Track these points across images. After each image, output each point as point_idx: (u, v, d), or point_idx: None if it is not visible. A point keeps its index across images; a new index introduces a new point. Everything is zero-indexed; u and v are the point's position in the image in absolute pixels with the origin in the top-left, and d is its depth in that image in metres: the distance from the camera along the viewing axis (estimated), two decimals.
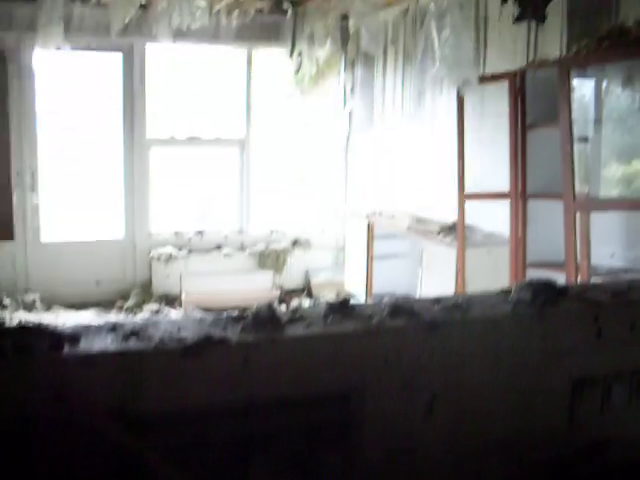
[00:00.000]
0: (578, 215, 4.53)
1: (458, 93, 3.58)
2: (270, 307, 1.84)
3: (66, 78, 7.93)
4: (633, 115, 4.91)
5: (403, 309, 1.91)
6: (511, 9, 3.54)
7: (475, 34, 5.92)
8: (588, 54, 4.42)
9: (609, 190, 5.11)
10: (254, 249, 8.27)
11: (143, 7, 6.83)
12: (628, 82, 4.55)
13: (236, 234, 8.37)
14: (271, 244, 8.34)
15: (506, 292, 2.26)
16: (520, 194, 5.04)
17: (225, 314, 1.91)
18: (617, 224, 4.80)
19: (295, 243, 8.45)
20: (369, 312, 1.92)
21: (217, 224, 8.52)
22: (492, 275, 5.49)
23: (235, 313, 1.90)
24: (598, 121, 5.00)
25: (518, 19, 3.44)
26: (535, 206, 5.15)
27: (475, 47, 5.92)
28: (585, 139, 4.98)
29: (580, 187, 4.89)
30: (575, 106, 4.83)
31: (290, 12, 7.24)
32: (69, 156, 8.18)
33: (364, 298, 7.30)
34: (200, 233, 8.29)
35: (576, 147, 4.81)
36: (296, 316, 1.90)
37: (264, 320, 1.81)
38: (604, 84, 4.93)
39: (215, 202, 9.20)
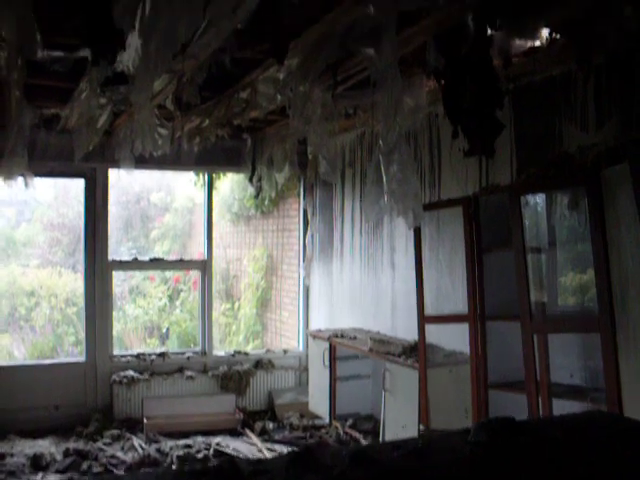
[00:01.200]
0: (536, 336, 4.63)
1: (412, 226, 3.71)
2: (232, 461, 1.85)
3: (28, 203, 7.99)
4: (582, 232, 5.07)
5: (363, 458, 1.93)
6: (461, 142, 3.71)
7: (429, 160, 6.18)
8: (536, 181, 4.62)
9: (566, 298, 5.21)
10: (216, 371, 8.21)
11: (106, 133, 6.98)
12: (574, 205, 4.74)
13: (198, 356, 8.32)
14: (234, 366, 8.29)
15: (466, 432, 2.29)
16: (479, 316, 5.14)
17: (187, 468, 1.90)
18: (574, 341, 4.90)
19: (258, 364, 8.41)
20: (330, 462, 1.93)
21: (179, 346, 8.48)
22: (455, 394, 5.53)
23: (197, 467, 1.90)
24: (552, 231, 5.16)
25: (468, 154, 3.59)
26: (494, 326, 5.24)
27: (430, 173, 6.18)
28: (539, 250, 5.13)
29: (538, 296, 5.00)
30: (529, 218, 5.01)
31: (249, 138, 7.46)
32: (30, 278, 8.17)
33: (328, 419, 7.24)
34: (162, 355, 8.22)
35: (532, 257, 4.97)
36: (259, 468, 1.90)
37: (226, 475, 1.81)
38: (555, 199, 5.11)
39: (177, 323, 9.19)
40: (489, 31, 3.61)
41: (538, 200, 5.18)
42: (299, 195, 8.55)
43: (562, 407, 4.44)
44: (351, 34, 3.93)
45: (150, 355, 8.19)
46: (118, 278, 8.29)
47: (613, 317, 4.11)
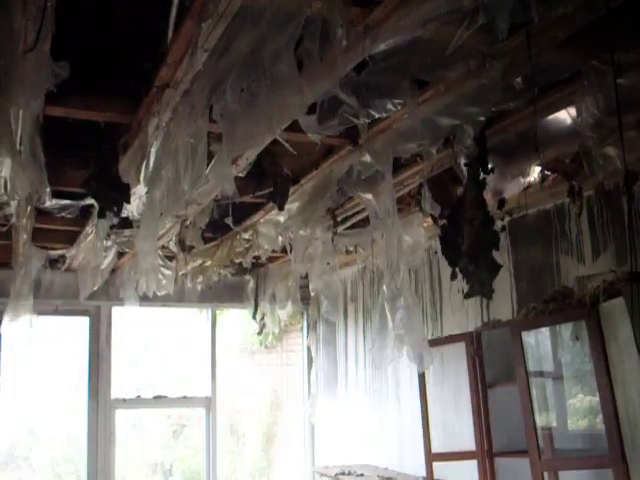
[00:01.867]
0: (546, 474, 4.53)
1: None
2: None
3: (32, 341, 8.00)
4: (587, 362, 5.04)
5: None
6: (461, 283, 3.77)
7: (431, 295, 6.24)
8: (536, 316, 4.65)
9: (577, 421, 5.10)
10: None
11: (111, 271, 7.07)
12: (576, 338, 4.74)
13: None
14: None
15: None
16: (487, 452, 5.05)
17: None
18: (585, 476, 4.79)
19: None
20: None
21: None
22: None
23: None
24: (557, 358, 5.13)
25: (467, 296, 3.65)
26: (503, 462, 5.14)
27: (432, 307, 6.23)
28: (545, 375, 5.08)
29: (546, 422, 4.92)
30: (533, 347, 4.99)
31: (252, 275, 7.56)
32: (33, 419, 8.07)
33: None
34: None
35: (539, 383, 4.92)
36: None
37: None
38: (557, 331, 5.10)
39: (181, 460, 9.01)
40: (482, 175, 3.73)
41: (542, 330, 5.19)
42: (302, 330, 8.56)
43: None
44: (348, 179, 4.08)
45: None
46: (121, 414, 8.17)
47: (624, 454, 4.04)
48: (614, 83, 2.69)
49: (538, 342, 5.16)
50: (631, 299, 3.70)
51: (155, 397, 8.38)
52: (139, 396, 8.52)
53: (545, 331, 5.05)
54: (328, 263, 4.87)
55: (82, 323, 8.04)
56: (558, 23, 2.68)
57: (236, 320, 8.61)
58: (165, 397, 8.36)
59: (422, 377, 5.62)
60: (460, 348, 5.27)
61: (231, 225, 4.66)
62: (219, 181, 3.29)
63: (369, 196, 3.98)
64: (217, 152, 3.36)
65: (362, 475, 6.74)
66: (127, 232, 5.55)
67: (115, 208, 3.82)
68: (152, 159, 3.79)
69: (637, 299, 3.44)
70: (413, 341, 3.51)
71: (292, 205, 4.45)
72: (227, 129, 2.91)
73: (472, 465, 5.26)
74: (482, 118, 3.30)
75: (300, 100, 2.49)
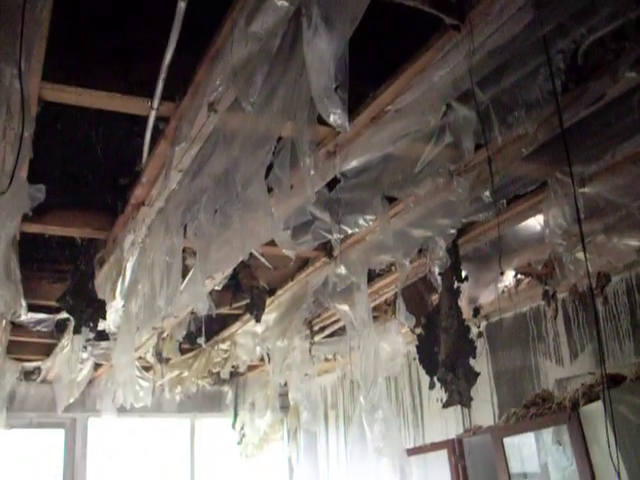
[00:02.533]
0: None
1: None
2: None
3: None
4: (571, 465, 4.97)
5: None
6: (439, 391, 3.76)
7: (411, 400, 6.19)
8: (517, 421, 4.62)
9: None
10: None
11: (88, 382, 6.96)
12: (558, 444, 4.70)
13: None
14: None
15: None
16: None
17: None
18: None
19: None
20: None
21: None
22: None
23: None
24: (542, 460, 5.04)
25: (445, 405, 3.63)
26: None
27: (413, 413, 6.16)
28: (525, 476, 4.99)
29: None
30: (517, 451, 4.91)
31: (231, 384, 7.48)
32: None
33: None
34: None
35: None
36: None
37: None
38: (540, 435, 5.04)
39: None
40: (456, 283, 3.78)
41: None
42: (283, 439, 8.39)
43: None
44: (324, 290, 4.11)
45: None
46: None
47: None
48: (574, 195, 2.78)
49: (521, 444, 5.09)
50: (603, 405, 3.70)
51: None
52: None
53: (528, 434, 5.00)
54: (306, 374, 4.84)
55: (57, 437, 7.84)
56: (521, 139, 2.79)
57: (215, 431, 8.42)
58: None
59: None
60: (443, 455, 5.19)
61: (202, 344, 4.64)
62: (193, 300, 3.31)
63: (345, 307, 4.00)
64: (192, 267, 3.39)
65: None
66: (104, 344, 5.51)
67: (91, 323, 3.81)
68: (128, 274, 3.80)
69: (609, 406, 3.43)
70: (392, 453, 3.46)
71: (269, 316, 4.46)
72: (201, 249, 2.95)
73: None
74: (453, 230, 3.37)
75: (271, 223, 2.54)
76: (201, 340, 4.50)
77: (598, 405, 4.12)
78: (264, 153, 2.34)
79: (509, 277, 4.90)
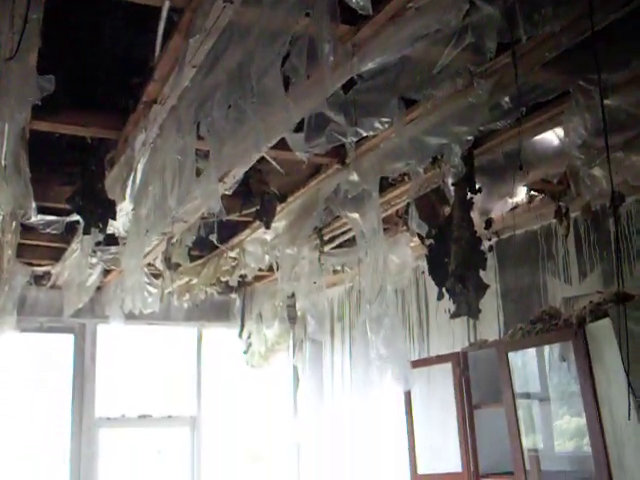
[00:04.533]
0: None
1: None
2: None
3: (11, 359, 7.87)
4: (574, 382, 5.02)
5: None
6: (447, 303, 3.76)
7: (417, 315, 6.23)
8: (523, 337, 4.64)
9: (563, 443, 5.06)
10: None
11: (96, 288, 7.02)
12: (563, 359, 4.73)
13: None
14: None
15: None
16: (473, 474, 5.01)
17: None
18: None
19: None
20: None
21: None
22: None
23: None
24: (544, 378, 5.10)
25: (453, 316, 3.64)
26: None
27: (419, 327, 6.21)
28: (532, 397, 5.06)
29: (533, 442, 4.88)
30: (520, 368, 4.97)
31: (239, 293, 7.52)
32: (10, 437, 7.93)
33: None
34: None
35: (526, 405, 4.89)
36: None
37: None
38: (544, 352, 5.08)
39: None
40: (469, 194, 3.73)
41: (528, 351, 5.17)
42: (289, 350, 8.49)
43: None
44: (336, 198, 4.08)
45: None
46: (104, 433, 8.05)
47: (611, 476, 4.01)
48: (601, 104, 2.70)
49: (525, 363, 5.14)
50: (618, 320, 3.69)
51: (140, 416, 8.29)
52: (123, 415, 8.43)
53: (532, 352, 5.03)
54: (315, 282, 4.84)
55: (66, 341, 7.95)
56: (545, 43, 2.70)
57: (222, 341, 8.54)
58: (150, 416, 8.27)
59: (408, 396, 5.56)
60: (447, 368, 5.23)
61: (216, 243, 4.63)
62: (205, 198, 3.27)
63: (356, 215, 3.97)
64: (204, 169, 3.35)
65: None
66: (113, 249, 5.51)
67: (100, 224, 3.79)
68: (139, 175, 3.77)
69: (624, 320, 3.43)
70: (396, 361, 3.48)
71: (279, 223, 4.44)
72: (214, 146, 2.90)
73: None
74: (469, 137, 3.31)
75: (287, 117, 2.48)
76: (214, 238, 4.48)
77: (604, 322, 4.12)
78: (280, 44, 2.28)
79: (522, 193, 4.84)
